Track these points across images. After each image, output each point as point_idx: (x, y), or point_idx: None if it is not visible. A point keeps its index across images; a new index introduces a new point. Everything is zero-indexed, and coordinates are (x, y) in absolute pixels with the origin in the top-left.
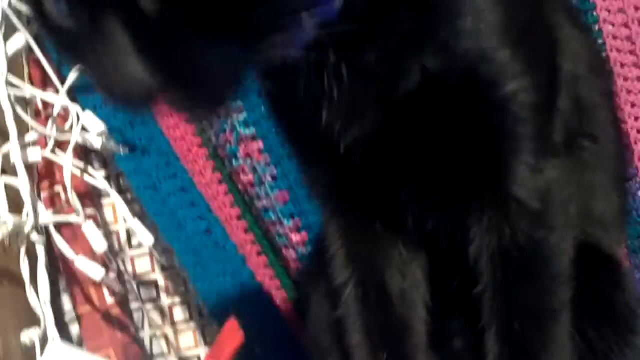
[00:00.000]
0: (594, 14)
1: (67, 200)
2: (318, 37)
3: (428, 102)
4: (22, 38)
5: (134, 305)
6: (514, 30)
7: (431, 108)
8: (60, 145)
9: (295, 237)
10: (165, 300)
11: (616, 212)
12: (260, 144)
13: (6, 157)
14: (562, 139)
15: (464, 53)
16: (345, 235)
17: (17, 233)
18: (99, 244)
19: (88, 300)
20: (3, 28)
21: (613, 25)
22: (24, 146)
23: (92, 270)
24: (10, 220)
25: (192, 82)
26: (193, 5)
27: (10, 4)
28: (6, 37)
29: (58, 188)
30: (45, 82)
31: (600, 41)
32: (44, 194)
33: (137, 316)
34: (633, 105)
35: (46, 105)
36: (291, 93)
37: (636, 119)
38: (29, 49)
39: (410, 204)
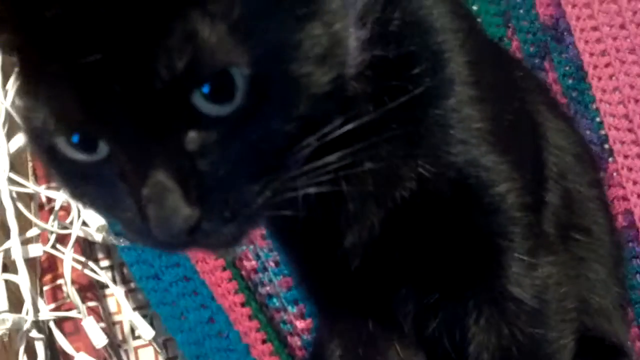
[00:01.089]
0: (590, 93)
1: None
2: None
3: (423, 205)
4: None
5: None
6: (500, 134)
7: (426, 211)
8: (62, 239)
9: (299, 324)
10: None
11: (616, 302)
12: (262, 230)
13: (7, 253)
14: (555, 233)
15: (454, 159)
16: (341, 336)
17: (16, 330)
18: (99, 340)
19: None
20: (6, 127)
21: (609, 104)
22: (25, 241)
23: None
24: (10, 318)
25: (234, 213)
26: (230, 135)
27: (13, 103)
28: (9, 135)
29: (61, 281)
30: (49, 176)
31: (597, 120)
32: (46, 288)
33: None
34: (635, 183)
35: (50, 198)
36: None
37: (639, 196)
38: None
39: (407, 304)
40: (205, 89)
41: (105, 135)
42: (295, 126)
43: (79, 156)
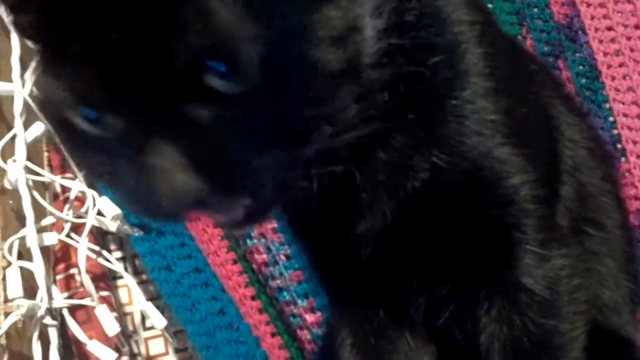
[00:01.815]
0: (603, 93)
1: (82, 283)
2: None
3: (436, 195)
4: (41, 126)
5: None
6: (514, 127)
7: (439, 201)
8: (77, 228)
9: (309, 318)
10: None
11: (627, 296)
12: (274, 224)
13: (22, 240)
14: (568, 226)
15: (468, 150)
16: (352, 325)
17: (30, 317)
18: (112, 328)
19: None
20: (24, 117)
21: (623, 103)
22: (40, 230)
23: (104, 354)
24: (25, 304)
25: (241, 189)
26: (242, 113)
27: (31, 93)
28: (27, 125)
29: (74, 270)
30: (63, 167)
31: (611, 119)
32: (59, 277)
33: None
34: None
35: (64, 188)
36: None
37: None
38: (48, 136)
39: (419, 295)
40: (219, 67)
41: (123, 110)
42: (309, 109)
43: (95, 130)
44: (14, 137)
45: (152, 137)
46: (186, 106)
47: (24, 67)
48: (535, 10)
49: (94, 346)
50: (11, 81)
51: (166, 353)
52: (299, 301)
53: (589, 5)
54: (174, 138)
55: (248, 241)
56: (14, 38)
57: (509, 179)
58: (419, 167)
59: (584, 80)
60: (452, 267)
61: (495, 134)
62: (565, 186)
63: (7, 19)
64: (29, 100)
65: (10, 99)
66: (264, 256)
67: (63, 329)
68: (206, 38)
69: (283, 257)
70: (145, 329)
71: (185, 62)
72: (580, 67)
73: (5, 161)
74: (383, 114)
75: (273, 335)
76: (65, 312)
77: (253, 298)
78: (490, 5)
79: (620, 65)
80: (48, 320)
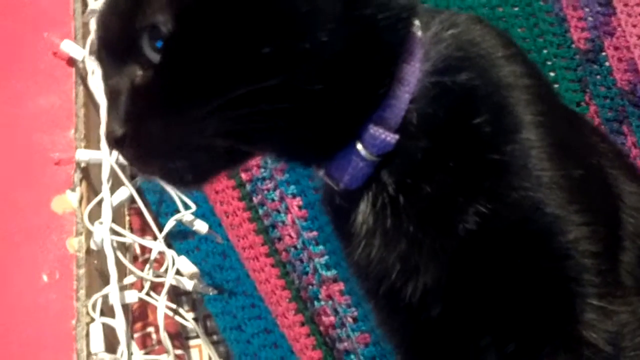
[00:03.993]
0: None
1: (159, 341)
2: (376, 170)
3: (489, 246)
4: (126, 191)
5: None
6: (568, 185)
7: (493, 252)
8: (154, 288)
9: None
10: None
11: None
12: (341, 286)
13: (105, 298)
14: (632, 286)
15: (515, 203)
16: None
17: None
18: None
19: None
20: (110, 182)
21: None
22: (122, 288)
23: None
24: (107, 358)
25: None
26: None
27: (117, 160)
28: (112, 190)
29: (150, 329)
30: (144, 229)
31: None
32: (136, 335)
33: None
34: None
35: (143, 249)
36: (347, 225)
37: None
38: (131, 200)
39: (487, 354)
40: (145, 38)
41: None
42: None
43: None
44: (100, 202)
45: (113, 77)
46: (128, 65)
47: None
48: (598, 77)
49: None
50: (99, 149)
51: None
52: None
53: None
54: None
55: (316, 303)
56: (102, 110)
57: (564, 234)
58: (467, 211)
59: None
60: (519, 322)
61: (546, 190)
62: (628, 252)
63: (97, 90)
64: (115, 167)
65: (98, 166)
66: (332, 318)
67: None
68: (138, 13)
69: (350, 320)
70: None
71: (129, 27)
72: None
73: (92, 223)
74: (427, 148)
75: None
76: None
77: None
78: (552, 74)
79: None
80: None
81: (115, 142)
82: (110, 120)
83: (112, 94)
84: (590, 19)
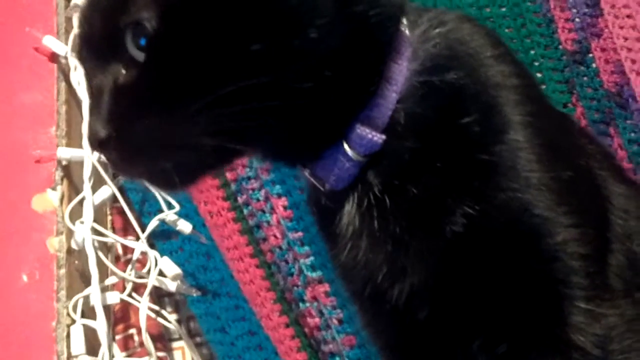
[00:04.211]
0: None
1: (141, 343)
2: (362, 170)
3: (477, 247)
4: (108, 190)
5: None
6: (557, 186)
7: (480, 254)
8: (137, 289)
9: None
10: None
11: None
12: (327, 287)
13: (86, 299)
14: (620, 289)
15: (502, 205)
16: None
17: None
18: None
19: None
20: (92, 180)
21: None
22: (103, 289)
23: None
24: None
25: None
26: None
27: (99, 159)
28: (94, 188)
29: (132, 330)
30: (126, 229)
31: None
32: (118, 337)
33: None
34: None
35: (126, 250)
36: (333, 227)
37: None
38: (113, 199)
39: (477, 357)
40: (129, 35)
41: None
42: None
43: None
44: (81, 200)
45: (96, 76)
46: (112, 63)
47: None
48: (585, 78)
49: None
50: (81, 147)
51: None
52: None
53: (638, 73)
54: (105, 83)
55: (301, 304)
56: (85, 107)
57: (553, 236)
58: (454, 212)
59: (635, 147)
60: (506, 325)
61: (535, 192)
62: (616, 254)
63: (79, 87)
64: (97, 165)
65: (79, 164)
66: (317, 320)
67: None
68: (124, 12)
69: (335, 321)
70: None
71: (114, 25)
72: (632, 134)
73: (73, 223)
74: (413, 149)
75: None
76: None
77: None
78: (539, 75)
79: None
80: None
81: (99, 144)
82: (93, 121)
83: (94, 94)
84: (577, 20)
